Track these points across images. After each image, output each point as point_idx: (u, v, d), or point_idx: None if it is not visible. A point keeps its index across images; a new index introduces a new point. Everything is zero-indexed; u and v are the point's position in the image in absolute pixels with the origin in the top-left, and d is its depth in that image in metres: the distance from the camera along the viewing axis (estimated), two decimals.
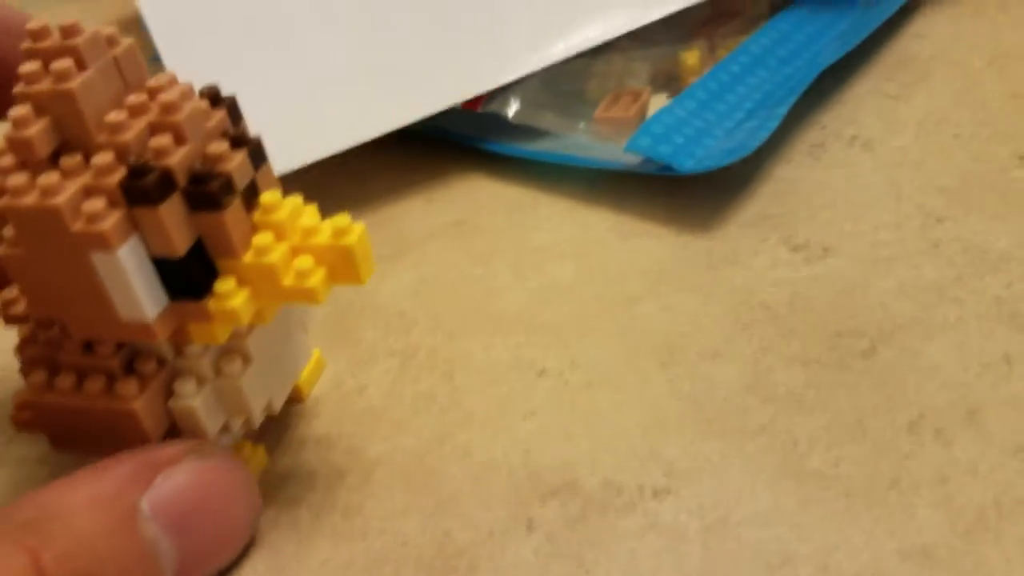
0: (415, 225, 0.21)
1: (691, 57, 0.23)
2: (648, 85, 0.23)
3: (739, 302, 0.17)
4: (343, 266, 0.13)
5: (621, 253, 0.19)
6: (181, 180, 0.12)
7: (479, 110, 0.22)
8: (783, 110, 0.20)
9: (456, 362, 0.17)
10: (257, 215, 0.13)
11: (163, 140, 0.12)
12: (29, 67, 0.12)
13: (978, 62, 0.23)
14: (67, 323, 0.13)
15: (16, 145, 0.12)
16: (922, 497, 0.13)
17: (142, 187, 0.11)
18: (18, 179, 0.12)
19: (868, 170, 0.20)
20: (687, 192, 0.20)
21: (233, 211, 0.12)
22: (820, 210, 0.19)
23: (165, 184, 0.12)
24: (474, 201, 0.21)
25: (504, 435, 0.15)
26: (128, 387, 0.13)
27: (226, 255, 0.12)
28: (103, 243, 0.11)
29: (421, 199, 0.22)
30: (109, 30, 0.13)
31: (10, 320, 0.14)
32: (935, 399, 0.14)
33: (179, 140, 0.12)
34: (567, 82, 0.23)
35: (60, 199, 0.11)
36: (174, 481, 0.12)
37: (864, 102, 0.22)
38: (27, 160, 0.12)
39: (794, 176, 0.20)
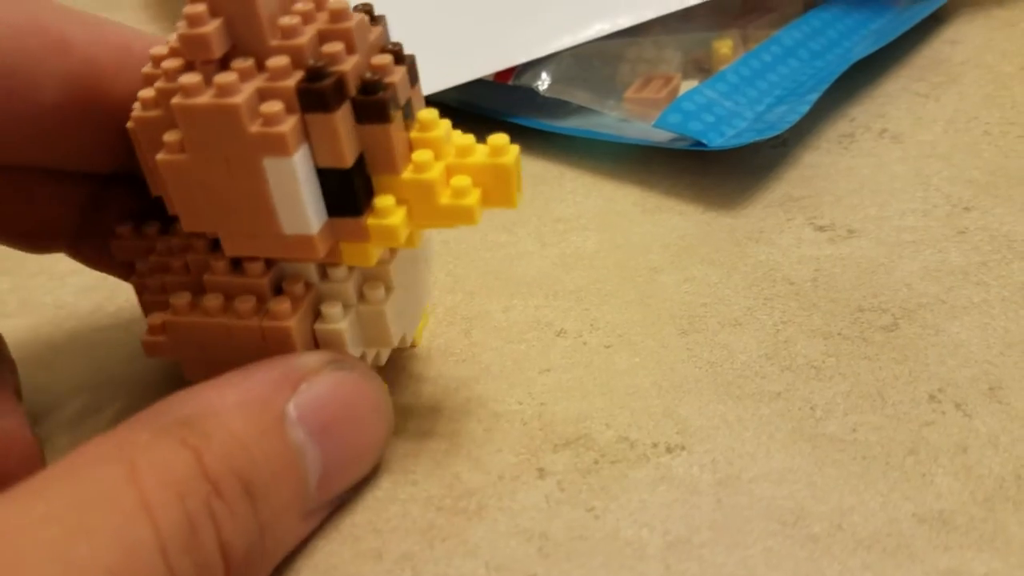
0: None
1: (724, 46, 0.23)
2: (679, 71, 0.23)
3: (762, 276, 0.17)
4: (497, 187, 0.12)
5: (645, 226, 0.19)
6: (351, 89, 0.12)
7: (510, 82, 0.22)
8: (813, 96, 0.20)
9: (474, 320, 0.17)
10: (414, 132, 0.12)
11: (336, 47, 0.11)
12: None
13: (1008, 68, 0.23)
14: (224, 237, 0.12)
15: (191, 43, 0.11)
16: (941, 465, 0.13)
17: (319, 91, 0.11)
18: (192, 78, 0.11)
19: (896, 160, 0.20)
20: (714, 171, 0.20)
21: (396, 125, 0.12)
22: (846, 195, 0.19)
23: (340, 90, 0.11)
24: None
25: (519, 388, 0.15)
26: (282, 306, 0.13)
27: (386, 171, 0.12)
28: (281, 146, 0.11)
29: None
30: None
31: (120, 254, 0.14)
32: (957, 374, 0.14)
33: (349, 49, 0.12)
34: (599, 63, 0.23)
35: (239, 98, 0.11)
36: (318, 389, 0.12)
37: (895, 99, 0.22)
38: (197, 61, 0.11)
39: (822, 163, 0.20)
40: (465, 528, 0.13)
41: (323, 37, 0.12)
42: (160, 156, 0.12)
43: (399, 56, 0.12)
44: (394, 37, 0.13)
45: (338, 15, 0.12)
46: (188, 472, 0.10)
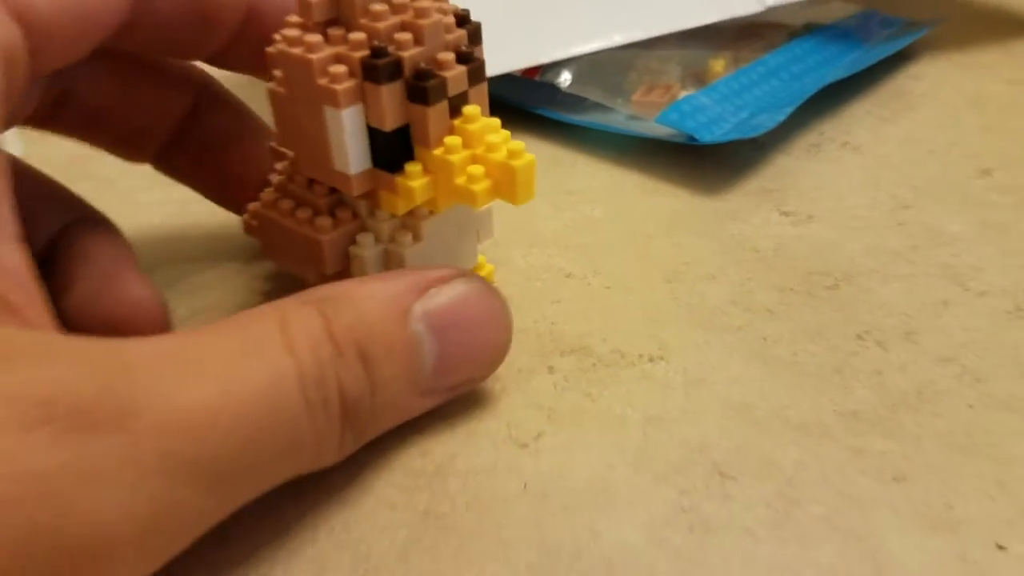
0: None
1: (718, 64, 0.27)
2: (678, 82, 0.27)
3: (735, 245, 0.21)
4: (505, 183, 0.15)
5: (643, 203, 0.23)
6: (407, 72, 0.14)
7: (536, 78, 0.26)
8: (789, 109, 0.24)
9: (498, 263, 0.21)
10: (458, 121, 0.15)
11: (405, 36, 0.14)
12: None
13: (959, 101, 0.27)
14: (299, 158, 0.16)
15: (301, 7, 0.14)
16: (859, 381, 0.16)
17: (375, 67, 0.14)
18: (292, 32, 0.14)
19: (854, 167, 0.24)
20: (704, 163, 0.24)
21: (437, 110, 0.14)
22: (809, 190, 0.23)
23: (393, 71, 0.14)
24: None
25: (535, 311, 0.19)
26: (324, 223, 0.16)
27: (422, 144, 0.15)
28: (334, 100, 0.14)
29: None
30: None
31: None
32: (881, 322, 0.18)
33: (417, 41, 0.14)
34: (612, 69, 0.27)
35: (315, 56, 0.14)
36: (442, 295, 0.14)
37: (859, 119, 0.26)
38: (306, 23, 0.14)
39: (792, 164, 0.24)
40: (491, 400, 0.16)
41: (403, 26, 0.14)
42: (269, 85, 0.15)
43: (464, 57, 0.15)
44: None
45: (420, 12, 0.14)
46: (320, 333, 0.13)
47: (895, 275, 0.19)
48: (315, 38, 0.14)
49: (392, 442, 0.15)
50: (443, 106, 0.15)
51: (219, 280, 0.20)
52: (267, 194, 0.17)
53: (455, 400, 0.16)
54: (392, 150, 0.15)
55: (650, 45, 0.27)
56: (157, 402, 0.11)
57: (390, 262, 0.17)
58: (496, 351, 0.16)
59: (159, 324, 0.16)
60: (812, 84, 0.25)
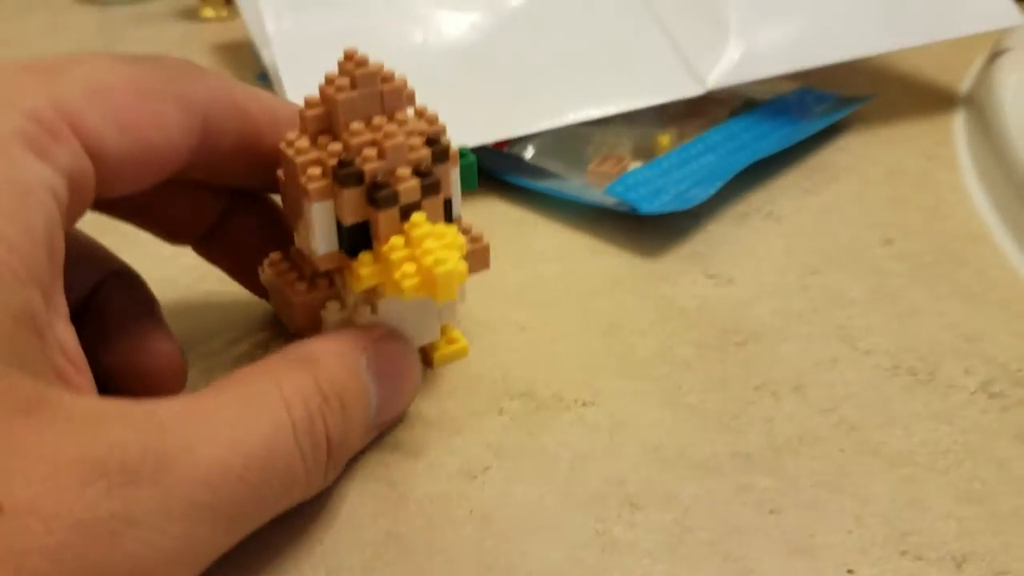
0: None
1: (664, 139, 0.31)
2: (629, 154, 0.31)
3: (665, 304, 0.24)
4: (430, 284, 0.17)
5: (591, 263, 0.26)
6: (368, 180, 0.17)
7: (504, 150, 0.30)
8: (720, 183, 0.27)
9: (463, 316, 0.24)
10: (407, 225, 0.17)
11: (371, 152, 0.17)
12: (332, 75, 0.18)
13: (877, 174, 0.31)
14: (294, 233, 0.19)
15: (300, 119, 0.18)
16: (753, 427, 0.20)
17: (339, 174, 0.17)
18: (292, 136, 0.18)
19: (773, 235, 0.27)
20: (645, 229, 0.28)
21: (387, 214, 0.17)
22: (733, 256, 0.26)
23: (354, 179, 0.17)
24: (490, 215, 0.29)
25: (491, 360, 0.22)
26: (300, 287, 0.20)
27: (375, 239, 0.18)
28: (307, 195, 0.17)
29: None
30: (388, 70, 0.18)
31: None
32: (778, 376, 0.22)
33: (380, 156, 0.17)
34: (572, 142, 0.31)
35: (300, 158, 0.17)
36: (380, 350, 0.18)
37: (785, 191, 0.30)
38: (303, 130, 0.18)
39: (722, 232, 0.28)
40: (449, 437, 0.20)
41: (372, 143, 0.17)
42: (278, 172, 0.19)
43: (422, 173, 0.18)
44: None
45: (389, 135, 0.17)
46: (310, 387, 0.16)
47: (795, 334, 0.23)
48: (304, 143, 0.18)
49: (364, 474, 0.19)
50: (394, 211, 0.17)
51: (213, 339, 0.23)
52: (277, 255, 0.21)
53: (420, 438, 0.19)
54: (352, 240, 0.18)
55: (606, 121, 0.31)
56: (184, 458, 0.13)
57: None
58: (412, 394, 0.20)
59: (180, 376, 0.20)
60: (743, 160, 0.29)
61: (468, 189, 0.20)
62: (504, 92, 0.31)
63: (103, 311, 0.19)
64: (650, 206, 0.27)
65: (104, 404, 0.14)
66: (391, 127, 0.17)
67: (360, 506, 0.18)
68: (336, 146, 0.18)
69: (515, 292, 0.25)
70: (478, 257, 0.21)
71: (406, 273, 0.17)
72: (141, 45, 0.46)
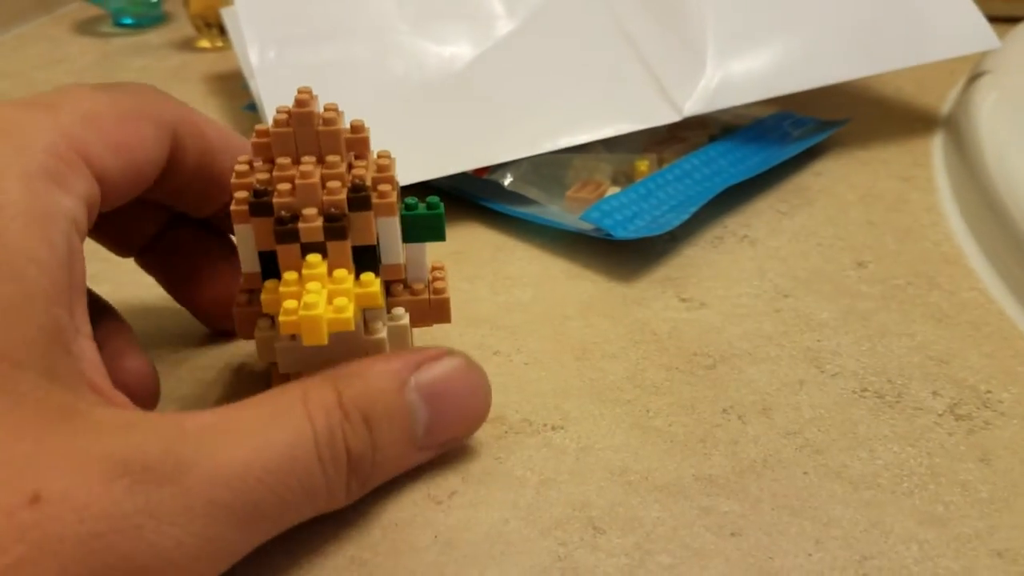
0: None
1: (643, 165, 0.31)
2: (608, 180, 0.31)
3: (637, 328, 0.25)
4: (294, 324, 0.17)
5: (566, 287, 0.27)
6: (274, 213, 0.18)
7: (484, 177, 0.30)
8: (694, 208, 0.28)
9: (439, 341, 0.24)
10: (304, 264, 0.18)
11: (284, 187, 0.18)
12: (284, 108, 0.18)
13: (851, 197, 0.32)
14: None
15: (252, 148, 0.19)
16: (718, 450, 0.20)
17: (252, 202, 0.18)
18: (245, 158, 0.19)
19: (747, 258, 0.28)
20: (621, 253, 0.28)
21: (286, 250, 0.18)
22: (706, 279, 0.27)
23: (264, 209, 0.18)
24: (471, 240, 0.29)
25: None
26: (241, 299, 0.20)
27: (281, 271, 0.18)
28: (231, 216, 0.18)
29: None
30: (331, 114, 0.18)
31: None
32: (745, 399, 0.22)
33: (291, 194, 0.18)
34: (551, 168, 0.31)
35: (234, 180, 0.18)
36: (433, 370, 0.18)
37: (760, 214, 0.30)
38: (255, 156, 0.19)
39: (696, 255, 0.28)
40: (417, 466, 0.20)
41: (289, 179, 0.18)
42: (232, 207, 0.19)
43: (330, 216, 0.18)
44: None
45: (303, 175, 0.18)
46: (332, 403, 0.16)
47: (764, 357, 0.23)
48: (243, 168, 0.19)
49: None
50: (294, 248, 0.18)
51: (185, 358, 0.24)
52: (240, 297, 0.21)
53: None
54: (264, 266, 0.19)
55: (586, 147, 0.31)
56: (204, 461, 0.14)
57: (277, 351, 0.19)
58: (476, 415, 0.20)
59: (152, 391, 0.20)
60: (719, 185, 0.30)
61: (435, 241, 0.20)
62: (484, 121, 0.31)
63: None
64: (625, 232, 0.27)
65: (132, 414, 0.15)
66: (307, 167, 0.18)
67: (325, 531, 0.18)
68: (263, 176, 0.18)
69: (491, 317, 0.25)
70: (435, 309, 0.21)
71: (287, 310, 0.17)
72: (138, 75, 0.47)
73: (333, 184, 0.18)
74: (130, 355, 0.20)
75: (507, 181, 0.30)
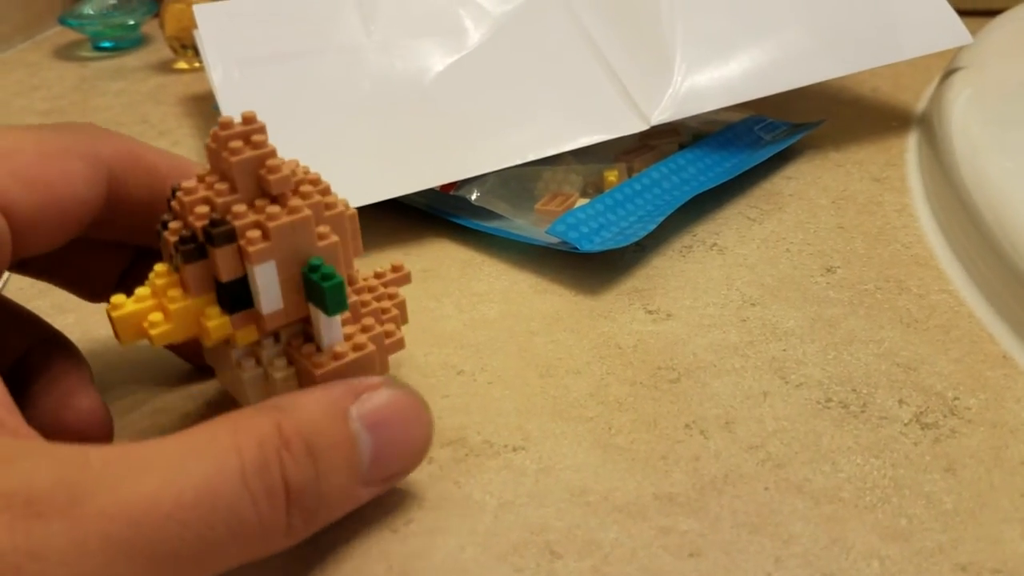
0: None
1: (612, 175, 0.31)
2: (578, 191, 0.31)
3: (602, 342, 0.24)
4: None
5: (533, 302, 0.26)
6: (169, 239, 0.18)
7: (452, 192, 0.30)
8: (660, 218, 0.28)
9: (403, 361, 0.24)
10: (152, 271, 0.18)
11: (171, 218, 0.18)
12: (212, 141, 0.18)
13: (823, 201, 0.31)
14: None
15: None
16: (679, 467, 0.20)
17: (161, 218, 0.18)
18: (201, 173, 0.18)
19: (716, 267, 0.28)
20: (589, 265, 0.28)
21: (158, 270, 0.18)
22: (673, 290, 0.27)
23: (164, 225, 0.18)
24: (438, 257, 0.29)
25: None
26: (118, 299, 0.19)
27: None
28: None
29: (400, 251, 0.30)
30: (236, 143, 0.17)
31: None
32: (708, 413, 0.22)
33: (179, 217, 0.18)
34: (520, 181, 0.31)
35: (188, 199, 0.18)
36: (375, 399, 0.17)
37: (730, 221, 0.30)
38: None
39: (664, 265, 0.28)
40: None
41: (180, 206, 0.18)
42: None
43: (183, 239, 0.17)
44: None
45: (187, 191, 0.18)
46: (268, 431, 0.15)
47: (728, 369, 0.23)
48: (192, 184, 0.18)
49: None
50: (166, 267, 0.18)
51: (153, 396, 0.24)
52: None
53: None
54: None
55: (556, 159, 0.31)
56: (102, 493, 0.13)
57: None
58: (420, 445, 0.19)
59: (104, 430, 0.20)
60: (688, 193, 0.29)
61: (329, 314, 0.18)
62: (453, 137, 0.31)
63: (30, 374, 0.20)
64: (591, 244, 0.27)
65: (30, 444, 0.14)
66: (191, 184, 0.18)
67: (272, 562, 0.18)
68: (176, 206, 0.18)
69: (456, 335, 0.25)
70: (361, 366, 0.19)
71: (112, 304, 0.18)
72: (116, 98, 0.47)
73: (201, 209, 0.18)
74: (81, 393, 0.19)
75: (474, 196, 0.30)
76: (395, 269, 0.21)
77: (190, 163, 0.21)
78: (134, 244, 0.22)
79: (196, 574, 0.15)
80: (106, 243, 0.21)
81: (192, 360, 0.24)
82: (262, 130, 0.18)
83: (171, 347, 0.24)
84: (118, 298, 0.18)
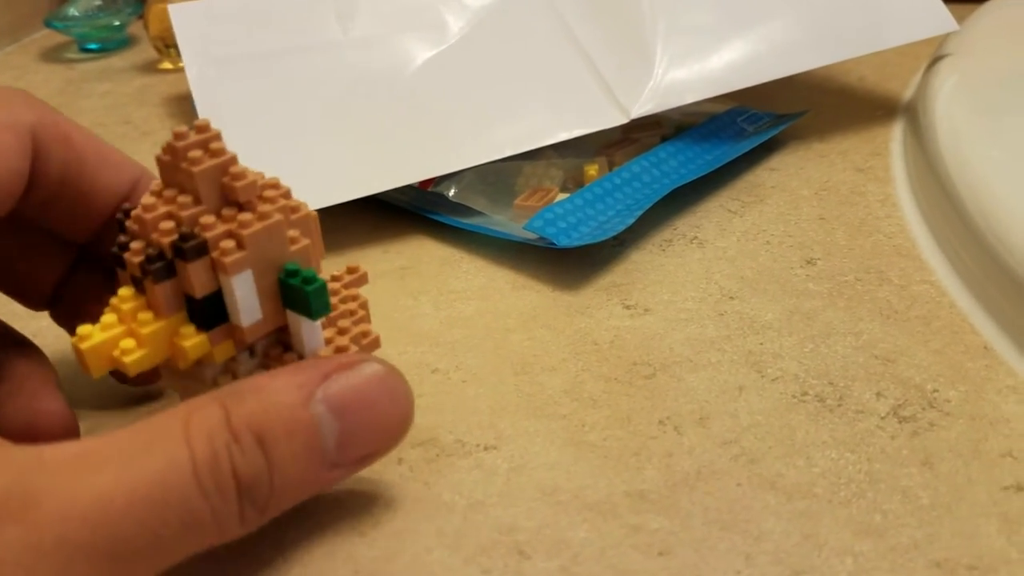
0: (372, 267, 0.28)
1: (592, 169, 0.31)
2: (558, 186, 0.31)
3: (579, 338, 0.24)
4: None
5: (510, 299, 0.26)
6: (133, 260, 0.17)
7: (429, 189, 0.30)
8: (639, 212, 0.27)
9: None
10: (117, 296, 0.17)
11: (132, 239, 0.17)
12: (165, 153, 0.17)
13: (805, 192, 0.31)
14: None
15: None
16: (652, 463, 0.20)
17: (118, 240, 0.18)
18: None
19: (695, 260, 0.27)
20: (567, 260, 0.28)
21: (122, 274, 0.18)
22: (652, 284, 0.26)
23: (124, 247, 0.17)
24: (416, 254, 0.29)
25: None
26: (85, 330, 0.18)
27: None
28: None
29: (379, 249, 0.29)
30: (196, 153, 0.17)
31: None
32: (683, 408, 0.21)
33: (143, 236, 0.17)
34: (500, 176, 0.31)
35: (149, 216, 0.17)
36: (343, 379, 0.17)
37: (711, 214, 0.30)
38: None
39: (643, 259, 0.28)
40: (345, 491, 0.20)
41: (140, 223, 0.17)
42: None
43: (149, 257, 0.17)
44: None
45: (147, 208, 0.17)
46: (217, 423, 0.15)
47: (705, 363, 0.23)
48: (148, 200, 0.17)
49: (251, 534, 0.18)
50: (126, 275, 0.18)
51: (107, 399, 0.24)
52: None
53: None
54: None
55: (536, 154, 0.31)
56: (57, 494, 0.13)
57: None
58: (397, 425, 0.18)
59: (70, 434, 0.20)
60: (666, 187, 0.29)
61: (311, 318, 0.18)
62: (432, 132, 0.31)
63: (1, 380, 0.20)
64: (568, 240, 0.27)
65: None
66: (150, 201, 0.17)
67: (237, 567, 0.18)
68: (143, 211, 0.18)
69: (433, 333, 0.25)
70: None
71: (83, 335, 0.17)
72: (102, 98, 0.47)
73: (166, 225, 0.17)
74: (46, 396, 0.19)
75: (451, 192, 0.30)
76: (351, 271, 0.21)
77: (115, 151, 0.20)
78: (41, 225, 0.21)
79: (154, 565, 0.15)
80: (33, 244, 0.21)
81: (133, 381, 0.22)
82: (218, 137, 0.17)
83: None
84: (84, 328, 0.17)
